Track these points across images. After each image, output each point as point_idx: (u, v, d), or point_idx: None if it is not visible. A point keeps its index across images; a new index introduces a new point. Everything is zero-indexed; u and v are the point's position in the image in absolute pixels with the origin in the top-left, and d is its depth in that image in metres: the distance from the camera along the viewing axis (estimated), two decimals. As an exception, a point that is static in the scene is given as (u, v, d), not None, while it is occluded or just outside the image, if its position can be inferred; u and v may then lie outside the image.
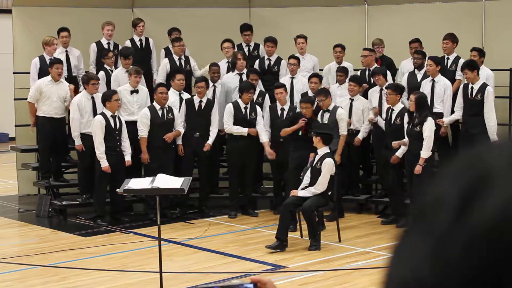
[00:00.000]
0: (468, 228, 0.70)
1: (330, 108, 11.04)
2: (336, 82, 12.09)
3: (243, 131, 11.41)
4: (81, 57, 12.78)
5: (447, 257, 0.70)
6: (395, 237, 0.78)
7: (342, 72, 12.02)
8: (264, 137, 11.44)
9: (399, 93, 10.82)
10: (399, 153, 10.51)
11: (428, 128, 10.08)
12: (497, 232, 0.68)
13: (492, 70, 11.57)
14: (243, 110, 11.51)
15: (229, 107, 11.53)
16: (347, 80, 11.81)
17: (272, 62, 12.83)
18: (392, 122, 10.74)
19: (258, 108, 11.60)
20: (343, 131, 11.01)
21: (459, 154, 0.76)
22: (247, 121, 11.50)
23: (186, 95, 11.76)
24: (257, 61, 12.79)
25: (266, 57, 12.83)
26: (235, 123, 11.46)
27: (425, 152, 10.07)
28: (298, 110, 11.28)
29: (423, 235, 0.74)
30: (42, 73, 12.02)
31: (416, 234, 0.75)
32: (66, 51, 12.52)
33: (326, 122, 10.94)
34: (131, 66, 11.90)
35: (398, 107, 10.75)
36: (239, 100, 11.53)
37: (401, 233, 0.77)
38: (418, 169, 10.11)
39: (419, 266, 0.72)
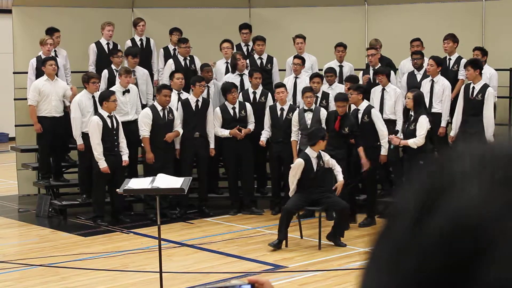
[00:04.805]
0: (423, 236, 0.71)
1: (313, 107, 11.05)
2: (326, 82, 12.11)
3: (224, 133, 11.45)
4: (67, 57, 12.76)
5: (403, 263, 0.72)
6: (369, 242, 0.80)
7: (331, 72, 12.03)
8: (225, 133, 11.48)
9: (361, 92, 10.84)
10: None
11: (421, 126, 10.14)
12: (448, 241, 0.70)
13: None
14: (231, 111, 11.52)
15: (217, 111, 11.54)
16: (336, 80, 11.96)
17: (264, 61, 12.82)
18: (360, 121, 10.76)
19: (248, 105, 11.60)
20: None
21: (427, 161, 0.77)
22: (238, 120, 11.52)
23: (185, 95, 11.74)
24: (247, 61, 12.74)
25: (257, 56, 12.82)
26: (227, 125, 11.47)
27: (413, 142, 10.13)
28: (301, 106, 11.21)
29: (385, 241, 0.76)
30: (39, 73, 12.01)
31: (382, 239, 0.77)
32: (55, 50, 12.51)
33: (309, 121, 10.94)
34: (121, 66, 11.92)
35: (362, 106, 10.79)
36: (226, 102, 11.53)
37: (373, 238, 0.78)
38: (395, 140, 10.33)
39: (379, 272, 0.74)
